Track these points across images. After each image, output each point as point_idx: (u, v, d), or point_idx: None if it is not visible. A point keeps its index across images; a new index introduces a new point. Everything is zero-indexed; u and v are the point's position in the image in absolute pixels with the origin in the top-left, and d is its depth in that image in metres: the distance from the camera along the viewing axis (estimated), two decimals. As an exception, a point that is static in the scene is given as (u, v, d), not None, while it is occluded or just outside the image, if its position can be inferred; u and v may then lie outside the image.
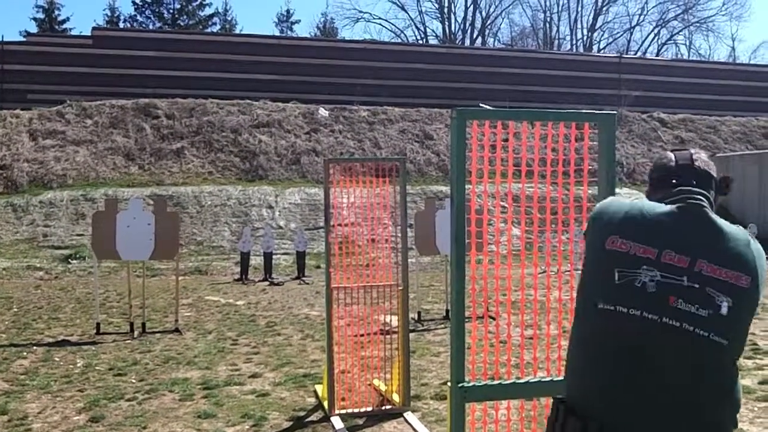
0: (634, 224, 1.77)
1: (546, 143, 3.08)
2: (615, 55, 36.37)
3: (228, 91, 25.18)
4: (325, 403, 5.50)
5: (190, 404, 5.71)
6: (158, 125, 23.14)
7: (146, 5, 40.67)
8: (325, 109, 25.01)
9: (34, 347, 8.04)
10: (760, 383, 6.07)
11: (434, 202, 10.96)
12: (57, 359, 7.43)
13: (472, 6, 49.43)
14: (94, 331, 8.84)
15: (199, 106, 24.08)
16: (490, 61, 29.76)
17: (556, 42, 51.55)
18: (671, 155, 1.92)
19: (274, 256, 15.78)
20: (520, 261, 3.75)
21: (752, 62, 46.19)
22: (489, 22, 50.68)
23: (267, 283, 14.57)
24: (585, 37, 51.20)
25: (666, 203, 1.80)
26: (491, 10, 50.26)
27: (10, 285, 14.11)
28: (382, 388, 5.83)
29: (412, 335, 6.71)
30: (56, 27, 38.06)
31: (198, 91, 24.63)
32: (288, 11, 62.36)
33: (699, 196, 1.78)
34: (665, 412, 1.66)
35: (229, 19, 44.82)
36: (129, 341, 8.37)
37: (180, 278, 10.18)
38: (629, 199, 1.95)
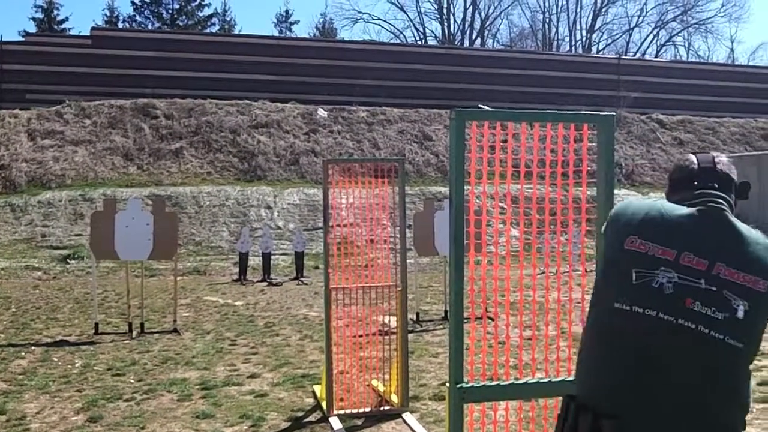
0: (654, 225, 1.77)
1: (545, 144, 3.08)
2: (614, 56, 36.37)
3: (227, 91, 25.18)
4: (324, 404, 5.49)
5: (189, 404, 5.71)
6: (157, 125, 23.13)
7: (145, 5, 40.70)
8: (324, 110, 25.00)
9: (33, 347, 8.04)
10: (759, 384, 6.06)
11: (433, 203, 10.96)
12: (55, 359, 7.43)
13: (471, 7, 49.53)
14: (93, 331, 8.84)
15: (197, 107, 24.07)
16: (489, 62, 29.79)
17: (555, 43, 51.60)
18: (693, 158, 1.92)
19: (272, 257, 15.78)
20: (518, 262, 3.75)
21: (751, 64, 46.18)
22: (488, 23, 50.77)
23: (265, 283, 14.57)
24: (584, 39, 51.28)
25: (686, 205, 1.80)
26: (490, 11, 50.33)
27: (8, 285, 14.11)
28: (381, 388, 5.83)
29: (410, 336, 6.72)
30: (55, 27, 38.07)
31: (197, 92, 24.62)
32: (287, 12, 62.29)
33: (719, 200, 1.78)
34: (678, 413, 1.67)
35: (228, 19, 44.92)
36: (127, 341, 8.37)
37: (178, 278, 10.18)
38: (649, 199, 1.95)
